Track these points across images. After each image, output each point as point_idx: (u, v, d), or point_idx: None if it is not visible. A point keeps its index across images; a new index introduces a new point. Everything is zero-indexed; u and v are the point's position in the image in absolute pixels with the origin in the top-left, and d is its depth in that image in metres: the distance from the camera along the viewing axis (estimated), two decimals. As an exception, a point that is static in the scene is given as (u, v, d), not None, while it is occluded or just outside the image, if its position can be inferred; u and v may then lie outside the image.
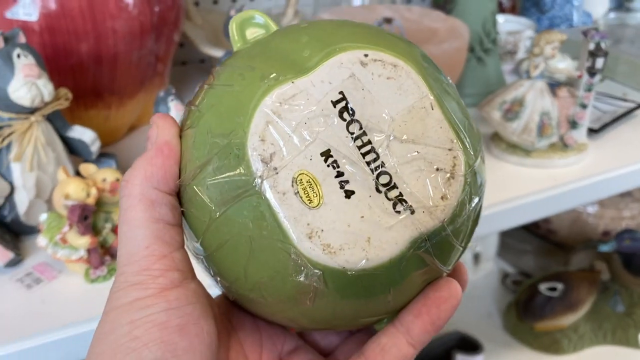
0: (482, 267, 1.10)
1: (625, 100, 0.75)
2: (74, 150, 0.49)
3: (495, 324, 0.98)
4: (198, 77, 0.88)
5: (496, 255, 1.13)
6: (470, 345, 0.81)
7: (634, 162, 0.62)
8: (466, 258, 1.08)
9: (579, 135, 0.62)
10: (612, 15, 1.12)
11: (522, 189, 0.57)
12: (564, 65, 0.81)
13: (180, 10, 0.65)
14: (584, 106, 0.61)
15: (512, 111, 0.60)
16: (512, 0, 0.95)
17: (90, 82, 0.58)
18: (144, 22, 0.58)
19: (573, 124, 0.62)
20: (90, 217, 0.40)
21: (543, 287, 0.90)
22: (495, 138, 0.63)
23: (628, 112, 0.71)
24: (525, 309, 0.91)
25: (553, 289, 0.90)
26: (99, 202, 0.41)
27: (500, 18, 0.86)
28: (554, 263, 1.07)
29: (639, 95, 0.79)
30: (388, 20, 0.64)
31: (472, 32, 0.73)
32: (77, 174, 0.45)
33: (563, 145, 0.62)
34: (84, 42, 0.54)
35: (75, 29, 0.53)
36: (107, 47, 0.56)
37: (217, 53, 0.73)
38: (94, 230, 0.42)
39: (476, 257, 1.08)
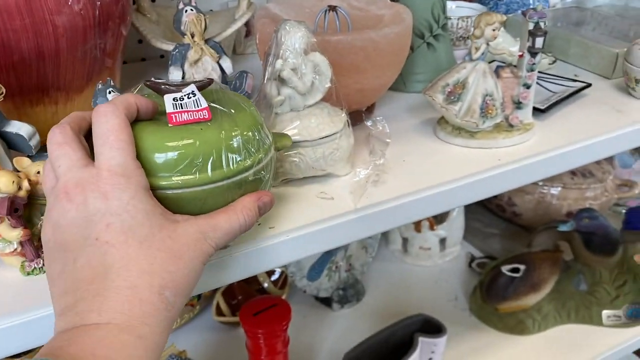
0: (448, 251, 1.12)
1: (575, 80, 0.76)
2: (13, 145, 0.49)
3: (462, 306, 1.00)
4: (157, 73, 0.88)
5: (463, 239, 1.15)
6: (434, 327, 0.82)
7: (579, 140, 0.63)
8: (433, 243, 1.09)
9: (525, 115, 0.63)
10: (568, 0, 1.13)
11: (466, 170, 0.58)
12: (515, 49, 0.82)
13: (126, 4, 0.65)
14: (527, 86, 0.62)
15: (455, 94, 0.61)
16: (467, -14, 0.96)
17: (34, 79, 0.58)
18: (86, 17, 0.58)
19: (518, 104, 0.63)
20: (22, 209, 0.40)
21: (505, 269, 0.91)
22: (442, 121, 0.64)
23: (576, 92, 0.72)
24: (488, 291, 0.93)
25: (516, 270, 0.92)
26: (33, 195, 0.42)
27: (453, 4, 0.87)
28: (520, 245, 1.09)
29: (591, 76, 0.81)
30: (332, 8, 0.65)
31: (420, 18, 0.74)
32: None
33: (508, 126, 0.63)
34: (24, 39, 0.54)
35: (13, 26, 0.53)
36: (48, 43, 0.56)
37: (169, 47, 0.73)
38: (29, 223, 0.42)
39: (442, 242, 1.10)
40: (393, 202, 0.53)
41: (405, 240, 1.11)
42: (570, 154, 0.62)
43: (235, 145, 0.41)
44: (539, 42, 0.59)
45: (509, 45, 0.84)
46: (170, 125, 0.39)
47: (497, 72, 0.62)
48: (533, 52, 0.60)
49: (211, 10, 0.95)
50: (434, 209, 0.55)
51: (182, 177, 0.39)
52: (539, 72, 0.79)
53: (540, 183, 1.06)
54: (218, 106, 0.42)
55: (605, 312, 0.94)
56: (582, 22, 0.95)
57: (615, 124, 0.66)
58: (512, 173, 0.59)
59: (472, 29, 0.81)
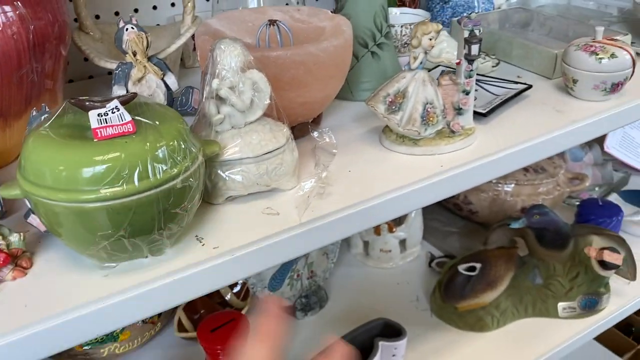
0: (409, 252, 1.13)
1: (516, 82, 0.78)
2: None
3: (423, 307, 1.01)
4: (104, 90, 0.87)
5: (423, 239, 1.17)
6: (394, 331, 0.83)
7: (520, 142, 0.65)
8: (393, 245, 1.10)
9: (466, 120, 0.65)
10: (514, 0, 1.16)
11: (410, 178, 0.59)
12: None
13: (64, 24, 0.65)
14: (466, 92, 0.63)
15: (396, 103, 0.62)
16: (412, -8, 0.98)
17: (-30, 106, 0.56)
18: (20, 41, 0.57)
19: (459, 110, 0.64)
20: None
21: (462, 268, 0.93)
22: (386, 130, 0.65)
23: (517, 94, 0.74)
24: (447, 290, 0.94)
25: (472, 269, 0.94)
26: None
27: (397, 10, 0.88)
28: (478, 242, 1.11)
29: (533, 76, 0.83)
30: (272, 22, 0.65)
31: (363, 28, 0.75)
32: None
33: (450, 132, 0.64)
34: (-45, 66, 0.53)
35: (-58, 53, 0.52)
36: (-19, 69, 0.55)
37: (112, 66, 0.73)
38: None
39: (402, 243, 1.11)
40: (338, 214, 0.53)
41: (366, 244, 1.12)
42: (511, 155, 0.64)
43: (160, 155, 0.42)
44: (474, 49, 0.60)
45: (453, 50, 0.85)
46: (95, 140, 0.41)
47: (437, 80, 0.64)
48: (470, 59, 0.61)
49: (158, 24, 0.95)
50: (379, 218, 0.56)
51: (110, 190, 0.41)
52: (482, 75, 0.81)
53: (494, 181, 1.09)
54: (143, 119, 0.44)
55: (560, 304, 0.96)
56: (526, 23, 0.98)
57: (555, 124, 0.68)
58: (454, 178, 0.60)
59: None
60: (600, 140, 1.34)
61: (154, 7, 0.93)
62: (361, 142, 0.67)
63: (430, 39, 0.61)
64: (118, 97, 0.44)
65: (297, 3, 0.84)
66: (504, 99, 0.72)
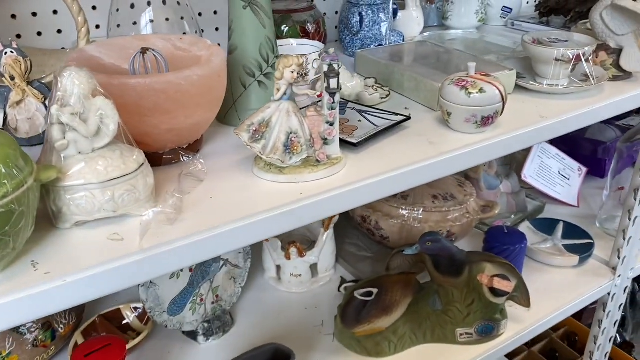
0: (322, 276, 1.14)
1: (397, 114, 0.80)
2: None
3: (328, 331, 1.02)
4: None
5: (338, 263, 1.18)
6: (284, 356, 0.84)
7: (383, 172, 0.67)
8: (303, 270, 1.11)
9: (333, 150, 0.67)
10: (427, 34, 1.20)
11: (267, 205, 0.60)
12: (352, 84, 0.86)
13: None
14: (330, 124, 0.65)
15: (259, 132, 0.63)
16: (317, 24, 1.01)
17: None
18: None
19: (325, 140, 0.66)
20: None
21: (358, 293, 0.94)
22: (257, 158, 0.67)
23: (393, 126, 0.77)
24: (344, 315, 0.95)
25: (369, 294, 0.95)
26: None
27: (294, 42, 0.90)
28: (389, 268, 1.13)
29: (421, 108, 0.86)
30: (144, 51, 0.66)
31: (250, 58, 0.77)
32: None
33: (316, 161, 0.66)
34: None
35: None
36: None
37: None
38: None
39: (314, 268, 1.12)
40: (183, 241, 0.54)
41: (278, 268, 1.13)
42: (373, 185, 0.66)
43: None
44: (333, 82, 0.62)
45: (347, 82, 0.88)
46: None
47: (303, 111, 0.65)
48: (330, 92, 0.63)
49: (63, 48, 0.95)
50: (227, 246, 0.57)
51: None
52: (368, 107, 0.83)
53: (403, 207, 1.11)
54: None
55: (458, 330, 0.98)
56: (426, 56, 1.01)
57: (423, 154, 0.71)
58: (312, 206, 0.62)
59: (308, 66, 0.86)
60: (519, 169, 1.39)
61: (59, 31, 0.94)
62: (235, 169, 0.68)
63: (292, 72, 0.63)
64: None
65: (196, 32, 0.85)
66: (377, 130, 0.74)
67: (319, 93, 0.64)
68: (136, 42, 0.72)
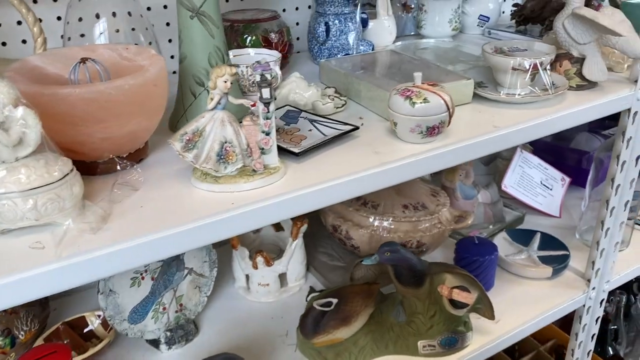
0: (292, 286, 1.14)
1: (346, 124, 0.79)
2: None
3: (291, 341, 1.02)
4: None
5: (310, 272, 1.18)
6: (236, 366, 0.83)
7: (320, 182, 0.66)
8: (271, 279, 1.11)
9: (270, 159, 0.67)
10: (399, 43, 1.20)
11: (200, 214, 0.60)
12: (308, 94, 0.87)
13: None
14: (266, 133, 0.65)
15: (192, 141, 0.63)
16: (281, 34, 1.01)
17: None
18: None
19: (262, 150, 0.66)
20: None
21: (318, 304, 0.94)
22: (195, 167, 0.67)
23: (340, 135, 0.76)
24: (303, 325, 0.95)
25: (329, 304, 0.94)
26: None
27: (252, 51, 0.91)
28: (359, 278, 1.12)
29: (377, 118, 0.85)
30: (84, 61, 0.67)
31: (199, 67, 0.78)
32: None
33: (252, 170, 0.66)
34: None
35: None
36: None
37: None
38: None
39: (282, 277, 1.12)
40: (101, 251, 0.54)
41: (247, 277, 1.13)
42: (309, 195, 0.65)
43: None
44: (265, 92, 0.62)
45: (303, 92, 0.88)
46: None
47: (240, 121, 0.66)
48: (264, 102, 0.63)
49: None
50: (147, 257, 0.57)
51: None
52: (321, 116, 0.83)
53: (372, 217, 1.10)
54: None
55: (420, 342, 0.97)
56: (391, 65, 1.01)
57: (365, 164, 0.70)
58: (244, 216, 0.61)
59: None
60: (501, 179, 1.37)
61: (24, 41, 0.96)
62: (175, 178, 0.69)
63: (225, 82, 0.63)
64: None
65: (151, 43, 0.86)
66: (323, 140, 0.74)
67: (252, 103, 0.64)
68: (82, 52, 0.73)
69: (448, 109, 0.73)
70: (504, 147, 0.80)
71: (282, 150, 0.72)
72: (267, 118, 0.64)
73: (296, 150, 0.71)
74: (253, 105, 0.64)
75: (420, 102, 0.72)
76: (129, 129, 0.65)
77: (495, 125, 0.80)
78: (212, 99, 0.64)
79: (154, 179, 0.68)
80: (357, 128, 0.78)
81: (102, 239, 0.56)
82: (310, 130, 0.79)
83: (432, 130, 0.73)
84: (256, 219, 0.63)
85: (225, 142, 0.64)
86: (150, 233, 0.57)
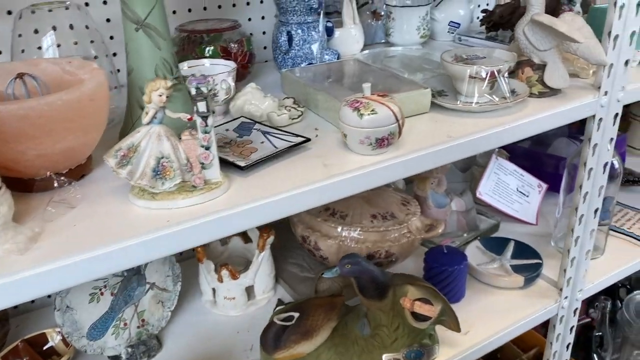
0: (260, 298, 1.12)
1: (298, 136, 0.78)
2: None
3: (255, 356, 1.00)
4: None
5: (279, 285, 1.16)
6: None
7: (263, 197, 0.65)
8: (237, 292, 1.09)
9: (212, 174, 0.65)
10: (367, 51, 1.18)
11: (132, 233, 0.59)
12: (264, 105, 0.85)
13: None
14: (206, 147, 0.64)
15: (127, 157, 0.62)
16: (241, 44, 1.00)
17: None
18: None
19: (203, 165, 0.65)
20: None
21: (278, 318, 0.92)
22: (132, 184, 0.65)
23: (290, 147, 0.75)
24: (264, 340, 0.93)
25: (290, 319, 0.93)
26: None
27: (207, 62, 0.89)
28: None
29: (333, 129, 0.84)
30: (20, 76, 0.66)
31: (145, 80, 0.75)
32: None
33: (192, 186, 0.64)
34: None
35: None
36: None
37: None
38: None
39: (249, 290, 1.10)
40: (26, 272, 0.53)
41: (214, 291, 1.11)
42: (251, 210, 0.64)
43: None
44: (201, 106, 0.61)
45: (259, 103, 0.87)
46: None
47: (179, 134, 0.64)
48: (202, 116, 0.62)
49: None
50: (72, 279, 0.55)
51: None
52: (274, 128, 0.82)
53: (339, 227, 1.09)
54: None
55: (385, 356, 0.95)
56: (352, 75, 1.00)
57: (312, 177, 0.69)
58: (179, 234, 0.60)
59: (217, 86, 0.84)
60: (475, 186, 1.36)
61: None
62: (114, 194, 0.67)
63: (160, 95, 0.62)
64: None
65: (107, 56, 0.85)
66: (272, 153, 0.73)
67: (189, 117, 0.63)
68: (23, 67, 0.71)
69: (397, 120, 0.72)
70: (459, 157, 0.79)
71: (228, 164, 0.70)
72: (206, 132, 0.63)
73: (242, 164, 0.70)
74: (190, 119, 0.63)
75: (368, 114, 0.71)
76: (65, 145, 0.64)
77: (449, 135, 0.79)
78: (147, 113, 0.62)
79: (93, 196, 0.67)
80: (308, 140, 0.76)
81: (28, 260, 0.54)
82: (262, 142, 0.78)
83: (382, 142, 0.72)
84: (193, 236, 0.61)
85: (162, 158, 0.62)
86: (80, 252, 0.55)
